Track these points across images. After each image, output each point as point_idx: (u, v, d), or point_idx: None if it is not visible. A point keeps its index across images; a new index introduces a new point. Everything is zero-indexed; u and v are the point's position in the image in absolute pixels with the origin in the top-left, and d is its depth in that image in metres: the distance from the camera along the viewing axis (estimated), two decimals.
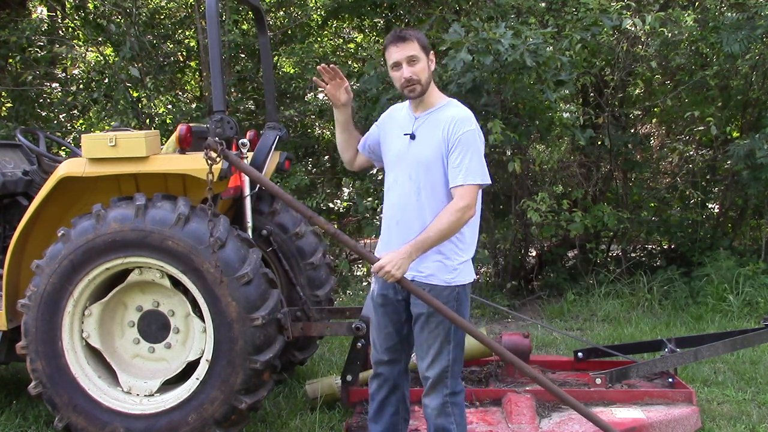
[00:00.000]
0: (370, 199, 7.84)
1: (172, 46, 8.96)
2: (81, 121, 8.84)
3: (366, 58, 8.72)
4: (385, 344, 3.38)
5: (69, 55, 9.42)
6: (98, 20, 8.51)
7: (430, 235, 3.01)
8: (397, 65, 3.12)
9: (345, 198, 9.05)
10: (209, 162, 3.32)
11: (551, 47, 6.48)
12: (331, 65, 3.30)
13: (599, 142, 7.92)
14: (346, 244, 3.40)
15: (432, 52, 3.18)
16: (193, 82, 9.65)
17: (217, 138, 3.40)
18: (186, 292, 3.86)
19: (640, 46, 7.70)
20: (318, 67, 3.33)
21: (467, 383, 4.64)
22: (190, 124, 4.02)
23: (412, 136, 3.18)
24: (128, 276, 3.91)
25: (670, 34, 7.26)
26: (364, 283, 8.15)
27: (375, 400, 3.47)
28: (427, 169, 3.12)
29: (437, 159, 3.09)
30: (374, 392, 3.48)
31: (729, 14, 7.51)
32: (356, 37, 10.01)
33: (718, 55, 7.42)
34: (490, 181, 3.11)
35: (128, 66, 7.79)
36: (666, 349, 4.60)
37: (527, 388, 4.47)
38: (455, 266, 3.14)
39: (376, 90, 6.89)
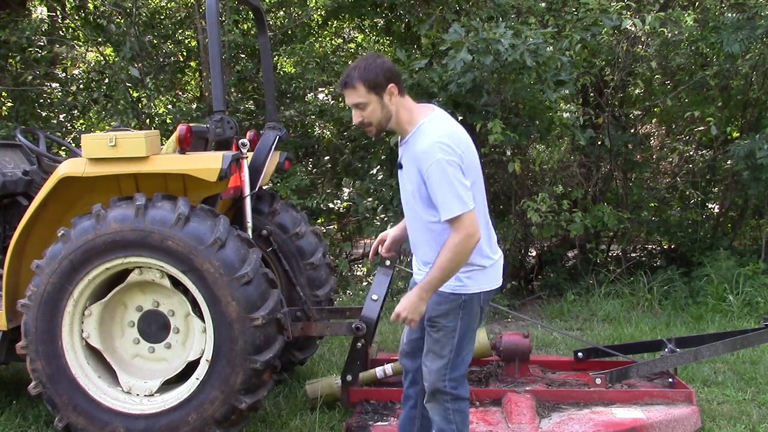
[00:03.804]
0: (370, 199, 7.83)
1: (172, 46, 8.95)
2: (81, 121, 8.83)
3: None
4: (408, 335, 3.46)
5: (69, 55, 9.43)
6: (98, 20, 8.50)
7: (434, 275, 3.00)
8: None
9: (345, 198, 9.05)
10: None
11: (551, 47, 6.48)
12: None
13: (599, 142, 7.92)
14: None
15: (391, 84, 3.02)
16: (193, 82, 9.65)
17: None
18: (186, 292, 3.85)
19: (640, 46, 7.70)
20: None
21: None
22: (190, 124, 4.01)
23: (400, 166, 3.20)
24: (128, 276, 3.91)
25: (670, 34, 7.26)
26: (364, 283, 8.15)
27: (403, 392, 3.57)
28: (413, 200, 3.15)
29: (418, 193, 3.09)
30: (404, 384, 3.57)
31: (729, 14, 7.51)
32: (356, 37, 10.01)
33: (718, 55, 7.42)
34: (469, 208, 2.96)
35: (128, 66, 7.79)
36: (666, 349, 4.60)
37: (527, 388, 4.48)
38: (458, 276, 3.11)
39: None
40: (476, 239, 2.99)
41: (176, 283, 3.86)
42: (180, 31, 9.07)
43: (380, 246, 3.66)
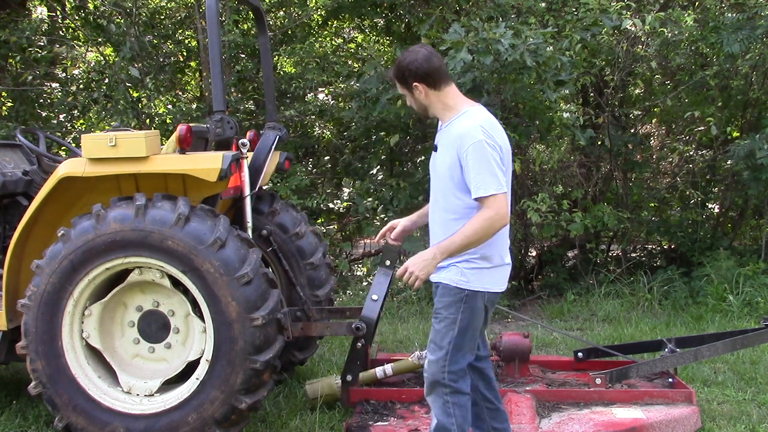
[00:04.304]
0: (370, 199, 7.83)
1: (172, 46, 8.95)
2: (81, 121, 8.83)
3: (366, 58, 8.72)
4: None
5: (69, 55, 9.43)
6: (98, 20, 8.50)
7: (455, 240, 3.05)
8: None
9: (345, 198, 9.05)
10: None
11: (551, 47, 6.48)
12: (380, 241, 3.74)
13: (599, 142, 7.92)
14: None
15: (416, 84, 3.17)
16: (193, 82, 9.65)
17: None
18: (186, 292, 3.85)
19: (640, 46, 7.70)
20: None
21: None
22: (190, 124, 4.01)
23: (435, 148, 3.29)
24: (128, 276, 3.91)
25: (670, 34, 7.26)
26: (364, 283, 8.15)
27: None
28: (442, 182, 3.21)
29: (450, 174, 3.14)
30: None
31: (729, 14, 7.51)
32: (356, 37, 10.01)
33: (718, 55, 7.42)
34: (504, 190, 3.06)
35: (128, 66, 7.78)
36: (666, 349, 4.60)
37: (527, 388, 4.48)
38: (463, 271, 3.17)
39: (376, 90, 6.89)
40: (505, 221, 3.06)
41: (176, 283, 3.86)
42: (180, 31, 9.07)
43: (388, 233, 3.65)
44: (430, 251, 3.08)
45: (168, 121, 8.03)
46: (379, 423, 4.12)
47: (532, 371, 4.82)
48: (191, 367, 3.88)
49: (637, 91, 8.95)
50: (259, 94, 8.55)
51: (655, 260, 8.39)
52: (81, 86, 8.79)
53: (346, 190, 9.24)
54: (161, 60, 8.69)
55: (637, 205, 8.54)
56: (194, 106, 8.58)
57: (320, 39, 9.31)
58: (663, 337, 4.96)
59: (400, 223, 3.63)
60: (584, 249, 8.29)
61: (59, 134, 8.15)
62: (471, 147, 3.04)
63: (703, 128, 8.18)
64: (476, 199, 3.06)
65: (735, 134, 8.22)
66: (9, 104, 8.73)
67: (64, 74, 9.29)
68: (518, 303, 7.49)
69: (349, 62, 9.07)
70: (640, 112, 8.80)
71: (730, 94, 7.98)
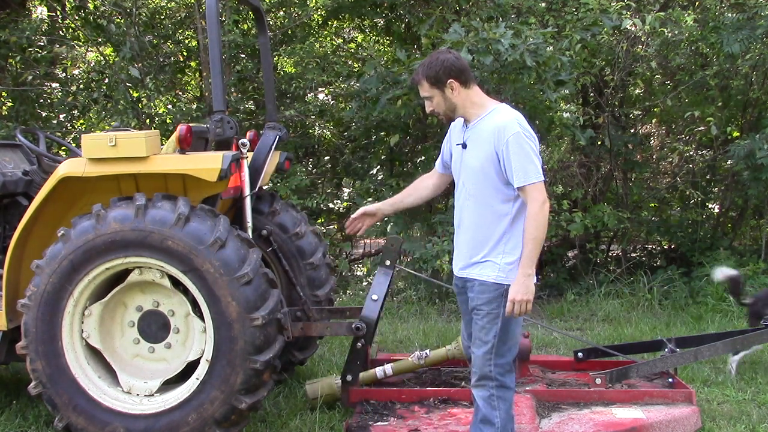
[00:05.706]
0: (370, 199, 7.83)
1: (172, 46, 8.95)
2: (81, 121, 8.83)
3: (366, 58, 8.72)
4: (465, 331, 3.55)
5: (69, 55, 9.43)
6: (98, 20, 8.51)
7: (529, 248, 3.14)
8: None
9: (345, 198, 9.05)
10: None
11: (551, 47, 6.48)
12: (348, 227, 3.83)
13: (599, 142, 7.92)
14: None
15: (451, 80, 3.23)
16: (193, 82, 9.65)
17: None
18: (186, 292, 3.85)
19: (640, 46, 7.70)
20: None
21: (467, 383, 4.63)
22: (190, 124, 4.01)
23: (464, 146, 3.34)
24: (128, 276, 3.91)
25: (670, 34, 7.27)
26: (364, 283, 8.15)
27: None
28: (476, 178, 3.27)
29: (486, 169, 3.22)
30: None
31: (729, 14, 7.52)
32: (356, 37, 10.01)
33: (718, 55, 7.43)
34: (543, 178, 3.17)
35: (128, 66, 7.78)
36: (666, 349, 4.61)
37: (527, 388, 4.48)
38: (501, 266, 3.24)
39: (376, 90, 6.89)
40: (548, 206, 3.17)
41: (176, 283, 3.86)
42: (180, 31, 9.06)
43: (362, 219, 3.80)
44: (519, 275, 3.15)
45: (168, 121, 8.03)
46: (379, 423, 4.12)
47: (532, 371, 4.82)
48: (191, 367, 3.88)
49: (637, 91, 8.96)
50: (259, 94, 8.55)
51: (655, 260, 8.39)
52: (81, 86, 8.79)
53: (346, 190, 9.25)
54: (161, 60, 8.69)
55: (637, 205, 8.54)
56: (194, 106, 8.58)
57: (320, 39, 9.31)
58: (663, 337, 4.96)
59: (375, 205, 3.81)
60: (584, 249, 8.29)
61: (59, 134, 8.14)
62: (509, 139, 3.14)
63: (703, 128, 8.18)
64: (519, 188, 3.15)
65: (735, 134, 8.23)
66: (9, 104, 8.73)
67: (64, 74, 9.29)
68: None
69: (349, 62, 9.06)
70: (640, 112, 8.81)
71: (730, 94, 7.98)
